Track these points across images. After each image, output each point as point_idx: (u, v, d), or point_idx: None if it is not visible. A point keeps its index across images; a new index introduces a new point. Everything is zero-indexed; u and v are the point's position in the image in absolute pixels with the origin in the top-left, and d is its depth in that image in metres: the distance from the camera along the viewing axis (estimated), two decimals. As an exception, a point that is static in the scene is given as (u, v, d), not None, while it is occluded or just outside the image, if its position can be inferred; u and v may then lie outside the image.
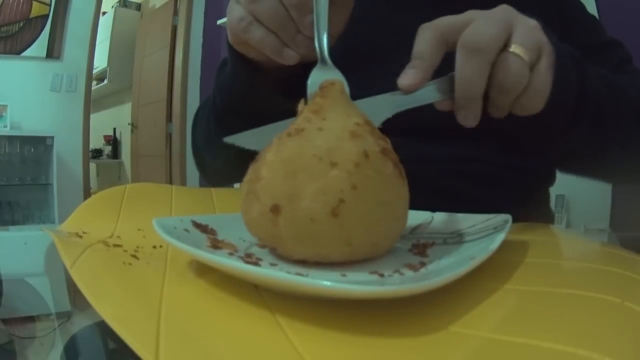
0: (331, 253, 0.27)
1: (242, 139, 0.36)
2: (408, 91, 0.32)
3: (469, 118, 0.33)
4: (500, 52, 0.32)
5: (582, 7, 0.58)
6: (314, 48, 0.34)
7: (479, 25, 0.32)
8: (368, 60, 0.52)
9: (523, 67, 0.32)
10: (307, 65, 0.38)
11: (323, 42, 0.34)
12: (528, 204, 0.51)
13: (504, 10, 0.33)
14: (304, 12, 0.35)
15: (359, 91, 0.33)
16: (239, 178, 0.61)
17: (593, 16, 0.58)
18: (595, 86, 0.40)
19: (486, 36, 0.31)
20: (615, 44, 0.57)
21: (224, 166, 0.57)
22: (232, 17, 0.37)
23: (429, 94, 0.33)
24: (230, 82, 0.46)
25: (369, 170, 0.26)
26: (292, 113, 0.32)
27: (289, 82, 0.44)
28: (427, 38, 0.33)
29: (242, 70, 0.43)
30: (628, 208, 1.77)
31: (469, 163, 0.51)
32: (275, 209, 0.26)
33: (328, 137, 0.26)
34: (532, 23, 0.33)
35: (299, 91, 0.47)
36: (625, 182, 0.57)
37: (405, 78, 0.32)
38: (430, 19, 0.52)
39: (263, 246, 0.31)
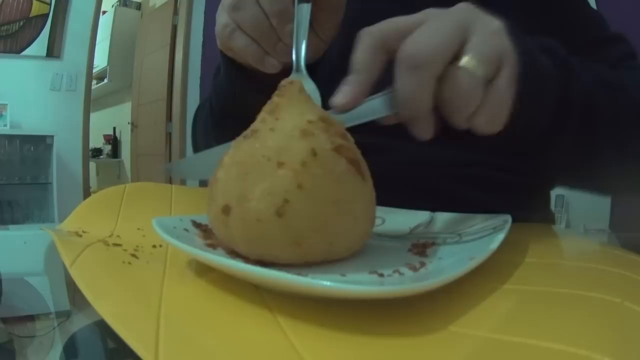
0: (282, 254, 0.26)
1: (184, 167, 0.40)
2: (342, 110, 0.29)
3: (421, 132, 0.30)
4: (449, 64, 0.27)
5: (584, 1, 0.54)
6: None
7: (423, 33, 0.27)
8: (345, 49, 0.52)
9: (474, 83, 0.27)
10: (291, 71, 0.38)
11: (301, 50, 0.35)
12: (528, 207, 0.51)
13: (461, 11, 0.28)
14: (284, 21, 0.35)
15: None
16: None
17: (595, 10, 0.54)
18: (587, 87, 0.35)
19: (428, 48, 0.26)
20: (618, 39, 0.53)
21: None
22: (218, 23, 0.38)
23: (373, 110, 0.30)
24: (224, 86, 0.47)
25: (316, 168, 0.25)
26: None
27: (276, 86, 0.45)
28: (365, 46, 0.29)
29: (233, 74, 0.44)
30: (628, 208, 1.77)
31: (468, 167, 0.51)
32: (226, 210, 0.26)
33: (278, 137, 0.26)
34: (494, 26, 0.28)
35: None
36: (623, 193, 0.53)
37: (338, 97, 0.29)
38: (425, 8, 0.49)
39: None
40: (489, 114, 0.29)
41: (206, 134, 0.57)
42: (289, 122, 0.26)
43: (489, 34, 0.28)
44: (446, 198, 0.41)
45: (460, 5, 0.29)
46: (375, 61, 0.29)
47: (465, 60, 0.27)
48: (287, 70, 0.37)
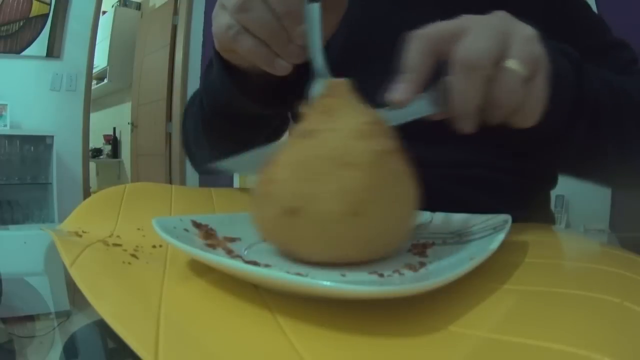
0: (353, 253, 0.27)
1: (233, 165, 0.36)
2: (399, 106, 0.31)
3: (466, 127, 0.32)
4: (496, 65, 0.30)
5: (588, 7, 0.56)
6: (306, 57, 0.34)
7: (473, 38, 0.30)
8: (367, 59, 0.52)
9: (519, 82, 0.30)
10: (294, 73, 0.37)
11: (318, 52, 0.33)
12: (528, 208, 0.51)
13: (499, 18, 0.32)
14: (295, 21, 0.34)
15: (357, 90, 0.32)
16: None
17: (599, 16, 0.56)
18: (596, 90, 0.38)
19: (481, 51, 0.29)
20: (621, 45, 0.55)
21: (212, 161, 0.56)
22: (218, 24, 0.36)
23: (423, 108, 0.32)
24: (216, 86, 0.46)
25: (382, 169, 0.26)
26: (274, 119, 0.33)
27: (273, 89, 0.45)
28: (418, 49, 0.31)
29: (227, 76, 0.43)
30: (628, 208, 1.77)
31: (468, 168, 0.51)
32: (292, 211, 0.25)
33: (340, 138, 0.26)
34: (529, 33, 0.31)
35: (284, 97, 0.47)
36: (625, 187, 0.56)
37: (395, 93, 0.30)
38: (430, 16, 0.52)
39: (248, 246, 0.31)
40: (527, 110, 0.32)
41: (196, 130, 0.56)
42: (347, 123, 0.27)
43: (526, 39, 0.31)
44: (446, 199, 0.41)
45: (498, 13, 0.32)
46: (426, 62, 0.31)
47: (511, 63, 0.30)
48: (295, 73, 0.37)
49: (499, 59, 0.30)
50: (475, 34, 0.30)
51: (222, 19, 0.36)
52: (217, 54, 0.42)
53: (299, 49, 0.35)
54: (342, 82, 0.29)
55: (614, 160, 0.42)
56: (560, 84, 0.34)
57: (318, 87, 0.32)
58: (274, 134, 0.56)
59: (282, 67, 0.36)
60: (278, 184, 0.26)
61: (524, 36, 0.31)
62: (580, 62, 0.38)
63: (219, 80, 0.45)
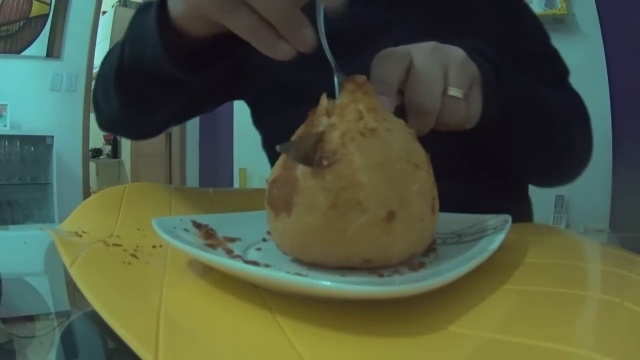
0: (425, 247, 0.29)
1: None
2: None
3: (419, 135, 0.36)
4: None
5: (534, 15, 0.63)
6: (314, 46, 0.31)
7: (422, 81, 0.34)
8: (342, 57, 0.52)
9: (461, 105, 0.36)
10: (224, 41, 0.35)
11: (327, 46, 0.32)
12: (501, 197, 0.52)
13: (435, 49, 0.36)
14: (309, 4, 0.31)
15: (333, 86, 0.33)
16: (126, 129, 0.56)
17: (542, 24, 0.63)
18: (511, 86, 0.44)
19: (433, 95, 0.34)
20: (556, 57, 0.62)
21: (115, 112, 0.52)
22: None
23: None
24: (144, 40, 0.41)
25: (431, 169, 0.28)
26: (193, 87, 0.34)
27: (204, 57, 0.41)
28: (391, 67, 0.34)
29: (160, 38, 0.38)
30: (628, 208, 1.77)
31: (438, 158, 0.52)
32: (391, 216, 0.24)
33: (399, 139, 0.26)
34: (461, 56, 0.37)
35: (212, 66, 0.42)
36: (534, 181, 0.61)
37: (384, 103, 0.32)
38: (387, 12, 0.54)
39: (252, 247, 0.31)
40: (468, 120, 0.38)
41: (107, 80, 0.50)
42: (397, 124, 0.28)
43: (461, 64, 0.36)
44: None
45: (432, 45, 0.37)
46: (397, 81, 0.34)
47: (453, 91, 0.35)
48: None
49: (443, 91, 0.35)
50: (422, 72, 0.35)
51: None
52: (160, 8, 0.37)
53: (311, 35, 0.31)
54: (367, 80, 0.28)
55: (521, 156, 0.50)
56: (489, 86, 0.39)
57: (340, 82, 0.32)
58: (187, 103, 0.51)
59: (285, 52, 0.31)
60: (368, 189, 0.24)
61: (458, 61, 0.36)
62: (500, 68, 0.43)
63: (149, 38, 0.39)
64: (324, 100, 0.28)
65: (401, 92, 0.35)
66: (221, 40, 0.37)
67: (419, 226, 0.26)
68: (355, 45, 0.54)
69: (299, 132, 0.28)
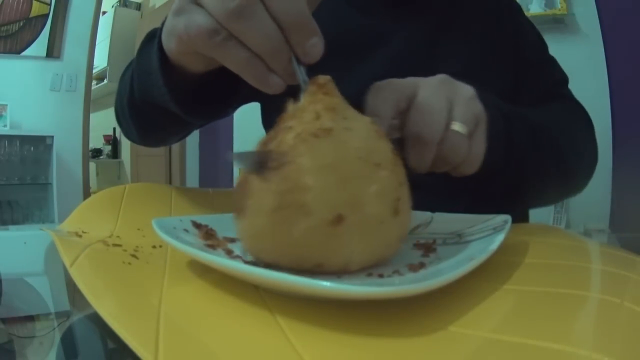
0: (390, 252, 0.27)
1: None
2: None
3: (419, 171, 0.36)
4: (444, 130, 0.34)
5: (532, 24, 0.64)
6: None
7: (424, 111, 0.34)
8: (327, 61, 0.52)
9: (464, 142, 0.35)
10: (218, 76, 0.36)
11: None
12: (490, 189, 0.52)
13: (443, 82, 0.36)
14: (302, 35, 0.29)
15: None
16: (147, 143, 0.57)
17: (539, 33, 0.64)
18: (521, 137, 0.44)
19: (434, 125, 0.33)
20: (554, 64, 0.63)
21: (133, 131, 0.54)
22: (192, 24, 0.30)
23: None
24: (148, 77, 0.41)
25: (400, 167, 0.27)
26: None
27: (204, 95, 0.43)
28: (384, 98, 0.34)
29: (162, 75, 0.38)
30: (628, 208, 1.77)
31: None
32: (338, 220, 0.23)
33: (361, 137, 0.25)
34: (469, 93, 0.36)
35: (212, 105, 0.45)
36: (543, 203, 0.63)
37: None
38: (388, 20, 0.55)
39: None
40: (470, 162, 0.37)
41: (122, 105, 0.51)
42: (359, 122, 0.26)
43: (467, 100, 0.36)
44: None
45: (441, 78, 0.36)
46: (390, 111, 0.34)
47: (456, 126, 0.34)
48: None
49: (446, 125, 0.34)
50: (426, 102, 0.34)
51: (199, 19, 0.29)
52: (160, 46, 0.37)
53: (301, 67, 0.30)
54: (330, 80, 0.27)
55: (532, 189, 0.50)
56: (495, 134, 0.39)
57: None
58: (195, 127, 0.53)
59: (276, 85, 0.30)
60: (314, 192, 0.23)
61: (465, 97, 0.36)
62: (508, 114, 0.43)
63: (153, 75, 0.39)
64: (290, 104, 0.28)
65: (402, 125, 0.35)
66: (219, 76, 0.37)
67: (378, 229, 0.25)
68: (355, 55, 0.55)
69: (264, 138, 0.28)
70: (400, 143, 0.35)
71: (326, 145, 0.24)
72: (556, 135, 0.50)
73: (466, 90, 0.36)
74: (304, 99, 0.27)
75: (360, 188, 0.24)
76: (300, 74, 0.29)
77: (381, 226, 0.25)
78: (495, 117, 0.40)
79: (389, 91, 0.34)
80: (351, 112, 0.27)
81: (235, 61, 0.30)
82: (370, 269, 0.27)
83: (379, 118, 0.33)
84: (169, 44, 0.35)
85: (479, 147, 0.37)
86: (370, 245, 0.25)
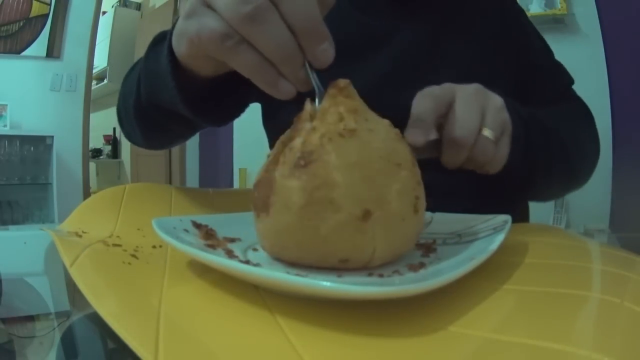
0: (408, 248, 0.28)
1: None
2: (413, 147, 0.33)
3: (450, 168, 0.40)
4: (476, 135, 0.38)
5: (536, 30, 0.66)
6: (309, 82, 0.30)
7: (461, 117, 0.37)
8: (347, 65, 0.52)
9: (492, 146, 0.39)
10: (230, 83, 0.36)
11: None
12: (499, 201, 0.53)
13: (477, 92, 0.39)
14: (314, 41, 0.29)
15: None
16: (151, 146, 0.57)
17: (543, 38, 0.67)
18: (537, 140, 0.48)
19: (465, 132, 0.37)
20: (561, 68, 0.65)
21: (137, 134, 0.54)
22: (204, 28, 0.30)
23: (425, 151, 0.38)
24: (158, 80, 0.41)
25: (417, 168, 0.28)
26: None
27: (214, 98, 0.43)
28: (427, 104, 0.37)
29: (173, 79, 0.38)
30: (628, 208, 1.77)
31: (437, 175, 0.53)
32: (367, 215, 0.24)
33: (381, 139, 0.26)
34: (499, 104, 0.40)
35: (221, 107, 0.45)
36: (551, 197, 0.69)
37: (412, 136, 0.35)
38: (391, 21, 0.55)
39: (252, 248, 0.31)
40: (495, 163, 0.40)
41: (126, 107, 0.51)
42: (380, 124, 0.28)
43: (497, 109, 0.39)
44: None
45: (476, 87, 0.40)
46: (433, 116, 0.37)
47: (487, 132, 0.38)
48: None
49: (478, 130, 0.38)
50: (462, 110, 0.38)
51: (210, 23, 0.29)
52: (171, 49, 0.37)
53: (311, 74, 0.30)
54: (349, 83, 0.28)
55: (547, 180, 0.53)
56: (517, 140, 0.43)
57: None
58: (200, 128, 0.53)
59: (287, 91, 0.30)
60: (342, 188, 0.24)
61: (496, 107, 0.39)
62: (527, 119, 0.47)
63: (163, 78, 0.39)
64: (307, 105, 0.28)
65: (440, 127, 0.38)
66: (229, 79, 0.38)
67: (400, 226, 0.26)
68: (358, 55, 0.55)
69: (283, 137, 0.28)
70: (436, 142, 0.38)
71: (351, 145, 0.25)
72: (564, 135, 0.54)
73: (496, 100, 0.40)
74: (325, 101, 0.27)
75: (385, 186, 0.25)
76: (314, 78, 0.30)
77: (403, 223, 0.26)
78: (517, 124, 0.43)
79: (432, 98, 0.37)
80: (371, 114, 0.28)
81: (246, 66, 0.30)
82: (371, 268, 0.27)
83: (423, 124, 0.36)
84: (179, 46, 0.35)
85: (504, 150, 0.41)
86: (393, 241, 0.26)
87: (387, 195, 0.25)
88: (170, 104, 0.41)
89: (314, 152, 0.25)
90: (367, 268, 0.26)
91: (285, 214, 0.25)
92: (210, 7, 0.29)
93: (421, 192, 0.28)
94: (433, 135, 0.37)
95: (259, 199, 0.27)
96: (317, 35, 0.29)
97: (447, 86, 0.39)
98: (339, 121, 0.26)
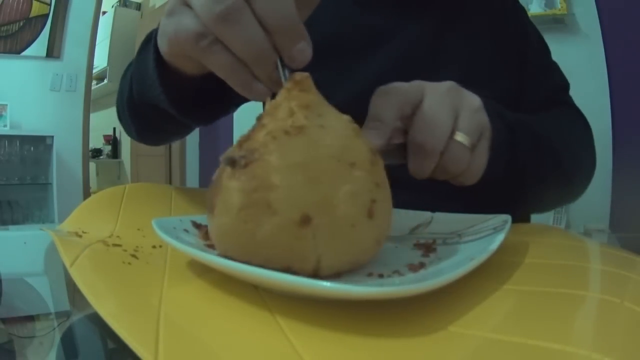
0: (365, 257, 0.26)
1: None
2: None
3: (419, 178, 0.36)
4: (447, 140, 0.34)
5: (536, 29, 0.65)
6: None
7: (428, 119, 0.33)
8: (331, 59, 0.51)
9: (466, 153, 0.35)
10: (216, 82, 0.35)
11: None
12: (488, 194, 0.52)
13: (450, 90, 0.35)
14: (289, 41, 0.28)
15: (321, 89, 0.32)
16: (149, 143, 0.57)
17: (542, 37, 0.65)
18: (525, 149, 0.44)
19: (437, 135, 0.33)
20: (556, 69, 0.64)
21: (136, 136, 0.55)
22: (180, 27, 0.29)
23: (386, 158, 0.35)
24: (145, 80, 0.41)
25: (379, 167, 0.26)
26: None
27: (201, 97, 0.43)
28: (387, 104, 0.33)
29: (158, 78, 0.38)
30: (628, 208, 1.77)
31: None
32: (305, 220, 0.22)
33: (336, 136, 0.24)
34: (476, 104, 0.36)
35: (209, 107, 0.45)
36: (545, 207, 0.64)
37: (369, 138, 0.32)
38: (392, 18, 0.54)
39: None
40: (470, 173, 0.36)
41: (122, 104, 0.52)
42: (335, 120, 0.25)
43: (473, 111, 0.35)
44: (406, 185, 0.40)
45: (449, 85, 0.35)
46: (393, 116, 0.33)
47: (459, 136, 0.34)
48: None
49: (450, 135, 0.34)
50: (431, 110, 0.33)
51: (187, 22, 0.29)
52: (156, 50, 0.36)
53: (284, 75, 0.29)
54: (308, 76, 0.26)
55: (536, 189, 0.49)
56: (498, 147, 0.38)
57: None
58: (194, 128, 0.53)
59: (260, 92, 0.30)
60: (279, 191, 0.22)
61: (471, 108, 0.35)
62: (514, 123, 0.42)
63: (150, 77, 0.39)
64: (268, 102, 0.27)
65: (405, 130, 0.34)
66: (216, 77, 0.37)
67: (349, 232, 0.23)
68: (358, 53, 0.55)
69: (240, 137, 0.27)
70: (403, 148, 0.35)
71: (297, 143, 0.23)
72: (557, 144, 0.50)
73: (473, 100, 0.36)
74: (279, 95, 0.26)
75: (331, 188, 0.23)
76: (285, 79, 0.28)
77: (353, 229, 0.23)
78: (500, 128, 0.39)
79: (394, 96, 0.34)
80: (328, 109, 0.26)
81: (220, 66, 0.29)
82: (371, 268, 0.27)
83: (378, 123, 0.33)
84: (162, 45, 0.35)
85: (481, 159, 0.37)
86: (341, 248, 0.24)
87: (333, 199, 0.23)
88: (158, 102, 0.41)
89: (255, 151, 0.24)
90: (316, 275, 0.24)
91: (226, 216, 0.24)
92: (188, 5, 0.29)
93: (381, 194, 0.25)
94: (396, 139, 0.33)
95: (208, 200, 0.26)
96: (292, 35, 0.28)
97: (416, 83, 0.35)
98: (288, 117, 0.24)
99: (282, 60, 0.29)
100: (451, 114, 0.34)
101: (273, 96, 0.28)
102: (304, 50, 0.29)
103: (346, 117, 0.26)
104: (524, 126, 0.45)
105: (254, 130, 0.25)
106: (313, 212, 0.22)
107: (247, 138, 0.25)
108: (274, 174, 0.23)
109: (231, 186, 0.24)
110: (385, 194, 0.26)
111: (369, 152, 0.25)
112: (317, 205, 0.22)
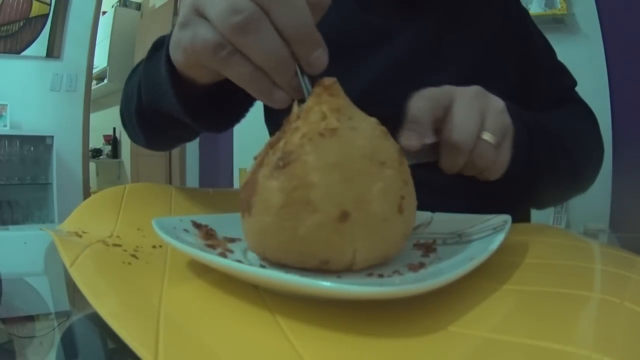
0: (394, 251, 0.27)
1: None
2: (409, 150, 0.34)
3: (448, 173, 0.40)
4: (475, 139, 0.37)
5: (539, 30, 0.66)
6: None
7: (460, 120, 0.37)
8: (332, 59, 0.51)
9: (492, 151, 0.38)
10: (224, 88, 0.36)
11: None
12: (499, 190, 0.53)
13: (477, 95, 0.38)
14: (308, 49, 0.29)
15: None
16: (154, 148, 0.57)
17: (546, 39, 0.67)
18: (541, 147, 0.47)
19: (465, 136, 0.36)
20: (564, 69, 0.66)
21: (140, 137, 0.54)
22: (198, 38, 0.29)
23: (421, 155, 0.38)
24: (157, 87, 0.41)
25: (405, 166, 0.27)
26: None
27: (213, 104, 0.43)
28: (423, 106, 0.36)
29: (172, 87, 0.38)
30: (628, 208, 1.77)
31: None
32: (343, 216, 0.24)
33: (366, 137, 0.26)
34: (500, 107, 0.39)
35: (222, 113, 0.45)
36: (547, 205, 0.66)
37: (406, 139, 0.35)
38: (393, 19, 0.55)
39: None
40: (495, 169, 0.40)
41: (129, 110, 0.51)
42: (364, 122, 0.27)
43: (498, 113, 0.39)
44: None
45: (475, 90, 0.39)
46: (429, 119, 0.37)
47: (486, 136, 0.37)
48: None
49: (478, 134, 0.37)
50: (461, 113, 0.37)
51: (203, 33, 0.29)
52: (168, 57, 0.37)
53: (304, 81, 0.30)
54: (336, 81, 0.28)
55: (545, 189, 0.52)
56: (520, 146, 0.42)
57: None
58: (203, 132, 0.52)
59: (281, 100, 0.30)
60: (319, 189, 0.24)
61: (496, 110, 0.39)
62: (531, 124, 0.46)
63: (163, 85, 0.39)
64: (295, 107, 0.28)
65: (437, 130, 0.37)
66: (229, 85, 0.37)
67: (382, 227, 0.25)
68: (360, 53, 0.55)
69: (270, 139, 0.28)
70: (436, 147, 0.38)
71: (332, 144, 0.25)
72: (568, 140, 0.53)
73: (497, 103, 0.39)
74: (310, 100, 0.27)
75: (365, 186, 0.24)
76: (305, 85, 0.29)
77: (385, 224, 0.25)
78: (520, 129, 0.43)
79: (428, 99, 0.37)
80: (357, 112, 0.28)
81: (240, 75, 0.30)
82: (371, 268, 0.27)
83: (417, 125, 0.36)
84: (175, 56, 0.35)
85: (505, 156, 0.40)
86: (374, 242, 0.25)
87: (367, 196, 0.24)
88: (170, 111, 0.41)
89: (293, 153, 0.25)
90: (350, 270, 0.26)
91: (266, 215, 0.25)
92: (203, 16, 0.29)
93: (408, 191, 0.27)
94: (429, 139, 0.36)
95: (243, 200, 0.27)
96: (310, 42, 0.29)
97: (446, 88, 0.39)
98: (321, 120, 0.26)
99: (300, 67, 0.29)
100: (479, 116, 0.38)
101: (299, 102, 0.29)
102: (320, 56, 0.29)
103: (373, 120, 0.28)
104: (540, 127, 0.48)
105: (283, 133, 0.27)
106: (350, 208, 0.24)
107: (277, 140, 0.27)
108: (312, 173, 0.24)
109: (271, 186, 0.25)
110: (411, 191, 0.28)
111: (396, 152, 0.27)
112: (353, 202, 0.24)
